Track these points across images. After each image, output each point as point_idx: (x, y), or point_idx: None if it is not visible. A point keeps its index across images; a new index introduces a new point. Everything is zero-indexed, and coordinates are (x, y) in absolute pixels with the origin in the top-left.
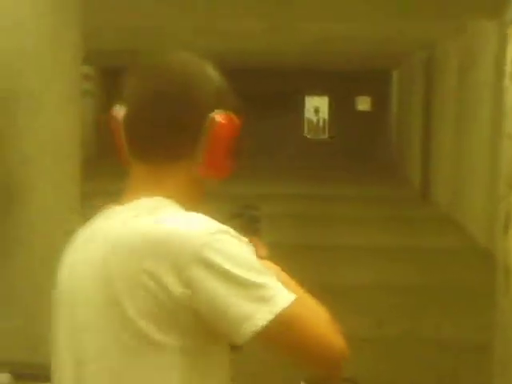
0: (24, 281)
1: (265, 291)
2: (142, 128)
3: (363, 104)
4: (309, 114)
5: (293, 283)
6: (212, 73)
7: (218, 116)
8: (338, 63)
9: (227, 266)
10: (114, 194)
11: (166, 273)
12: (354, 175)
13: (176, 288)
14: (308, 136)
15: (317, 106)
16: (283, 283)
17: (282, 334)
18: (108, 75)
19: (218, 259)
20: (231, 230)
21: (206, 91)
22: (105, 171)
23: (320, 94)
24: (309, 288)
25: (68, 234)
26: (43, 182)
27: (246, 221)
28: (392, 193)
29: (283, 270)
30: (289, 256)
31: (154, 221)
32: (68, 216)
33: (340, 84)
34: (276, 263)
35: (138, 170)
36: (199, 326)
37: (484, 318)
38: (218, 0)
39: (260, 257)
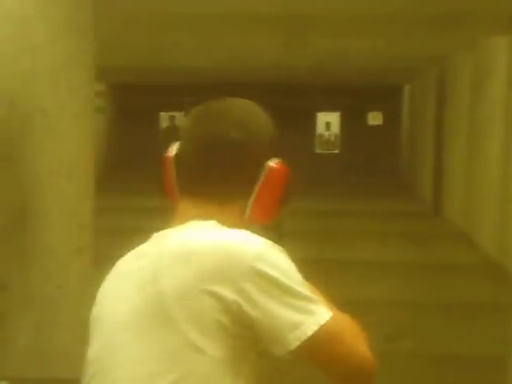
0: (38, 298)
1: (312, 304)
2: (200, 169)
3: (375, 119)
4: (320, 129)
5: (324, 299)
6: (269, 122)
7: (273, 164)
8: (349, 79)
9: (279, 276)
10: (125, 210)
11: (219, 285)
12: (365, 190)
13: (229, 298)
14: (319, 151)
15: (328, 122)
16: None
17: (323, 346)
18: (118, 91)
19: (270, 270)
20: (277, 245)
21: (263, 140)
22: (116, 187)
23: (332, 109)
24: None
25: (80, 251)
26: (57, 201)
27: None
28: (404, 208)
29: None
30: (303, 272)
31: (206, 236)
32: (80, 233)
33: (352, 99)
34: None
35: (186, 204)
36: (245, 335)
37: (498, 333)
38: (229, 16)
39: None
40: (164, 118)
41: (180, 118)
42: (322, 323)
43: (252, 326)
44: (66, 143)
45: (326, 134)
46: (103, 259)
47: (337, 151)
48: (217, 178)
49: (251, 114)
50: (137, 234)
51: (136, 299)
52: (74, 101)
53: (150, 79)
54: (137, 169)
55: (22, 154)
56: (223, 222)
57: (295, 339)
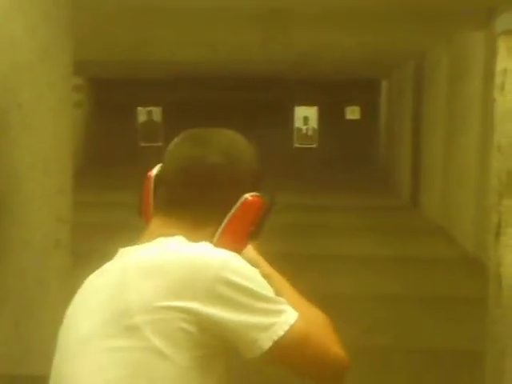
0: (17, 294)
1: (279, 305)
2: (177, 191)
3: (352, 114)
4: (298, 123)
5: (296, 292)
6: (252, 155)
7: (250, 196)
8: (327, 73)
9: (244, 282)
10: (103, 205)
11: (185, 296)
12: (343, 184)
13: (196, 309)
14: (297, 145)
15: (306, 116)
16: (289, 293)
17: (295, 346)
18: (96, 85)
19: (234, 277)
20: (239, 256)
21: (243, 170)
22: (94, 181)
23: (309, 103)
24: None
25: (58, 245)
26: (34, 195)
27: None
28: (381, 202)
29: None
30: (278, 265)
31: (171, 250)
32: (58, 227)
33: (329, 94)
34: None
35: (157, 224)
36: (214, 344)
37: (474, 327)
38: (208, 10)
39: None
40: (142, 113)
41: (157, 113)
42: (292, 322)
43: (221, 333)
44: (43, 137)
45: (304, 128)
46: (82, 254)
47: (315, 145)
48: (191, 200)
49: (235, 144)
50: (115, 228)
51: (99, 312)
52: (51, 95)
53: (128, 73)
54: (114, 163)
55: None
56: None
57: (268, 339)
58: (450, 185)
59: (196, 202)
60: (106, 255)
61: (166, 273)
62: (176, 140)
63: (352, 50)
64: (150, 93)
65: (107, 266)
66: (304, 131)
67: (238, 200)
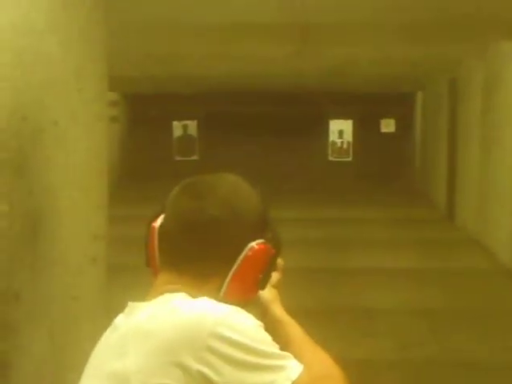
0: (53, 308)
1: (281, 360)
2: (179, 246)
3: (387, 126)
4: (333, 136)
5: (309, 341)
6: (258, 202)
7: (255, 245)
8: (362, 86)
9: (242, 339)
10: (140, 219)
11: (182, 356)
12: (378, 197)
13: (194, 368)
14: (332, 159)
15: (341, 129)
16: (300, 342)
17: None
18: (131, 100)
19: (232, 334)
20: (242, 310)
21: (246, 220)
22: (129, 195)
23: (344, 117)
24: (335, 312)
25: (95, 261)
26: (70, 212)
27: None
28: (417, 215)
29: (308, 296)
30: (314, 280)
31: (169, 310)
32: (95, 243)
33: (364, 107)
34: (300, 288)
35: (163, 279)
36: None
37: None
38: (240, 25)
39: (277, 268)
40: (177, 127)
41: (192, 127)
42: (294, 378)
43: None
44: (78, 154)
45: (339, 141)
46: (118, 268)
47: (349, 159)
48: (194, 255)
49: (236, 192)
50: None
51: (103, 376)
52: (86, 112)
53: (162, 88)
54: (150, 177)
55: (34, 165)
56: (196, 297)
57: None
58: (486, 197)
59: (198, 256)
60: (136, 268)
61: (162, 335)
62: (175, 190)
63: (385, 63)
64: (185, 107)
65: (117, 322)
66: (339, 145)
67: (243, 250)
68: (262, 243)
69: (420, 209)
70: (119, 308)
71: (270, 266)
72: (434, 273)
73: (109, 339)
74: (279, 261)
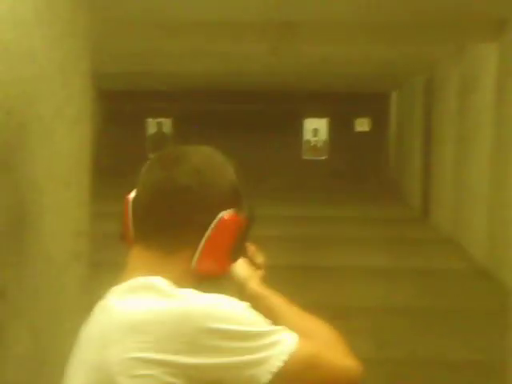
0: (37, 306)
1: (271, 337)
2: (150, 215)
3: (362, 125)
4: (308, 135)
5: (296, 308)
6: (230, 171)
7: (227, 215)
8: (337, 86)
9: (232, 327)
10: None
11: (170, 351)
12: (353, 196)
13: (184, 362)
14: (306, 157)
15: (316, 128)
16: (288, 311)
17: (300, 374)
18: (106, 97)
19: (221, 325)
20: (224, 296)
21: (221, 190)
22: (103, 192)
23: (319, 116)
24: (308, 310)
25: (78, 257)
26: (54, 208)
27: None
28: (392, 214)
29: (283, 293)
30: (289, 278)
31: (152, 304)
32: (78, 240)
33: (339, 106)
34: (274, 286)
35: (139, 252)
36: None
37: (487, 338)
38: (217, 23)
39: (257, 264)
40: (151, 124)
41: (167, 125)
42: (291, 351)
43: (216, 380)
44: (63, 150)
45: (314, 140)
46: (100, 264)
47: (324, 157)
48: (163, 224)
49: (209, 162)
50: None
51: (86, 367)
52: (70, 107)
53: (137, 85)
54: (123, 174)
55: (19, 161)
56: (169, 274)
57: (265, 373)
58: (461, 196)
59: (169, 225)
60: (117, 265)
61: (147, 329)
62: (148, 162)
63: (361, 62)
64: (159, 104)
65: (97, 312)
66: (313, 143)
67: (214, 219)
68: (233, 214)
69: (395, 208)
70: None
71: (242, 237)
72: (410, 272)
73: (91, 330)
74: (261, 258)
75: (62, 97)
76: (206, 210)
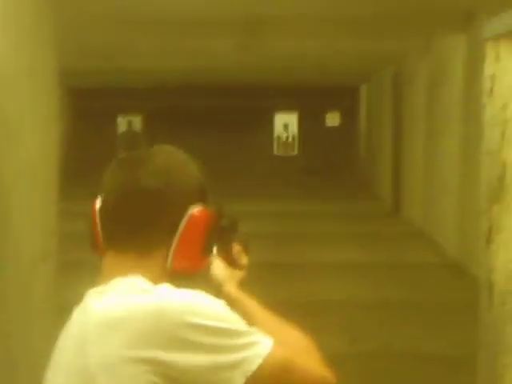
0: (2, 305)
1: (248, 338)
2: (119, 220)
3: (332, 120)
4: (278, 130)
5: (270, 314)
6: (194, 169)
7: (195, 211)
8: (307, 80)
9: (210, 322)
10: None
11: (149, 348)
12: (324, 191)
13: (162, 360)
14: (277, 153)
15: (286, 123)
16: (262, 316)
17: (274, 378)
18: (74, 95)
19: (199, 320)
20: (202, 292)
21: (187, 188)
22: (72, 191)
23: (289, 110)
24: (282, 306)
25: (46, 257)
26: (21, 208)
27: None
28: (363, 208)
29: (255, 291)
30: (261, 275)
31: (130, 301)
32: (46, 240)
33: (309, 100)
34: (246, 283)
35: (113, 257)
36: None
37: (458, 332)
38: (186, 19)
39: (240, 265)
40: (121, 123)
41: (137, 122)
42: (265, 354)
43: (193, 380)
44: (30, 149)
45: (284, 135)
46: (69, 265)
47: (295, 153)
48: (133, 227)
49: (172, 161)
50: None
51: (66, 370)
52: (37, 107)
53: (107, 83)
54: (93, 173)
55: None
56: (146, 274)
57: (240, 376)
58: (432, 190)
59: (139, 227)
60: (85, 266)
61: (126, 325)
62: (111, 166)
63: (329, 56)
64: (129, 102)
65: (75, 314)
66: (284, 139)
67: (183, 217)
68: (201, 209)
69: (366, 202)
70: (70, 305)
71: (213, 231)
72: (383, 266)
73: (69, 332)
74: (244, 259)
75: (28, 96)
76: (174, 209)
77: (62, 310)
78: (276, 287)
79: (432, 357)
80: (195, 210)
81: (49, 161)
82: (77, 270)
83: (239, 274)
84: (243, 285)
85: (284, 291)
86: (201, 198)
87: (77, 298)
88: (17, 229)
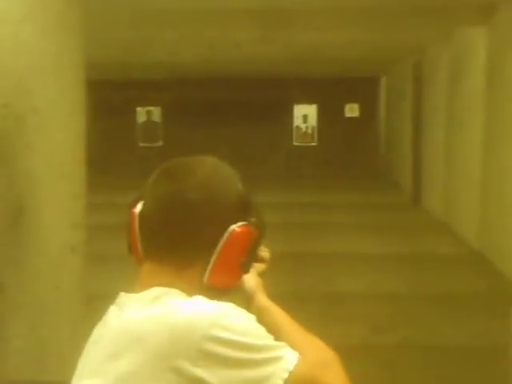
0: (34, 299)
1: (274, 352)
2: (161, 232)
3: (352, 111)
4: (297, 121)
5: (297, 327)
6: (238, 184)
7: (237, 228)
8: (326, 71)
9: (237, 337)
10: (106, 206)
11: (178, 360)
12: (344, 182)
13: (191, 372)
14: (297, 144)
15: (305, 114)
16: (289, 328)
17: None
18: (95, 87)
19: (227, 334)
20: (233, 305)
21: (229, 203)
22: (95, 183)
23: (309, 102)
24: (305, 297)
25: (74, 249)
26: (50, 200)
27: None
28: (383, 200)
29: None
30: (282, 265)
31: (162, 313)
32: (74, 232)
33: (328, 92)
34: (266, 273)
35: (151, 267)
36: None
37: (482, 322)
38: (207, 10)
39: (261, 258)
40: (141, 113)
41: (156, 113)
42: (291, 368)
43: None
44: (58, 142)
45: (304, 126)
46: (96, 256)
47: (314, 144)
48: (174, 240)
49: (215, 174)
50: (117, 229)
51: (97, 374)
52: (65, 99)
53: (126, 74)
54: (114, 164)
55: (16, 153)
56: (183, 289)
57: None
58: (453, 181)
59: (179, 240)
60: (112, 257)
61: (155, 336)
62: (154, 174)
63: (350, 47)
64: (149, 93)
65: (108, 318)
66: (303, 130)
67: (224, 233)
68: (243, 226)
69: (386, 193)
70: (97, 297)
71: (253, 249)
72: (403, 257)
73: (101, 337)
74: (266, 253)
75: (55, 89)
76: (215, 224)
77: (89, 301)
78: (295, 277)
79: (454, 348)
80: (236, 226)
81: (76, 153)
82: (104, 262)
83: (261, 267)
84: (264, 276)
85: (305, 281)
86: (243, 212)
87: (104, 290)
88: (46, 220)
